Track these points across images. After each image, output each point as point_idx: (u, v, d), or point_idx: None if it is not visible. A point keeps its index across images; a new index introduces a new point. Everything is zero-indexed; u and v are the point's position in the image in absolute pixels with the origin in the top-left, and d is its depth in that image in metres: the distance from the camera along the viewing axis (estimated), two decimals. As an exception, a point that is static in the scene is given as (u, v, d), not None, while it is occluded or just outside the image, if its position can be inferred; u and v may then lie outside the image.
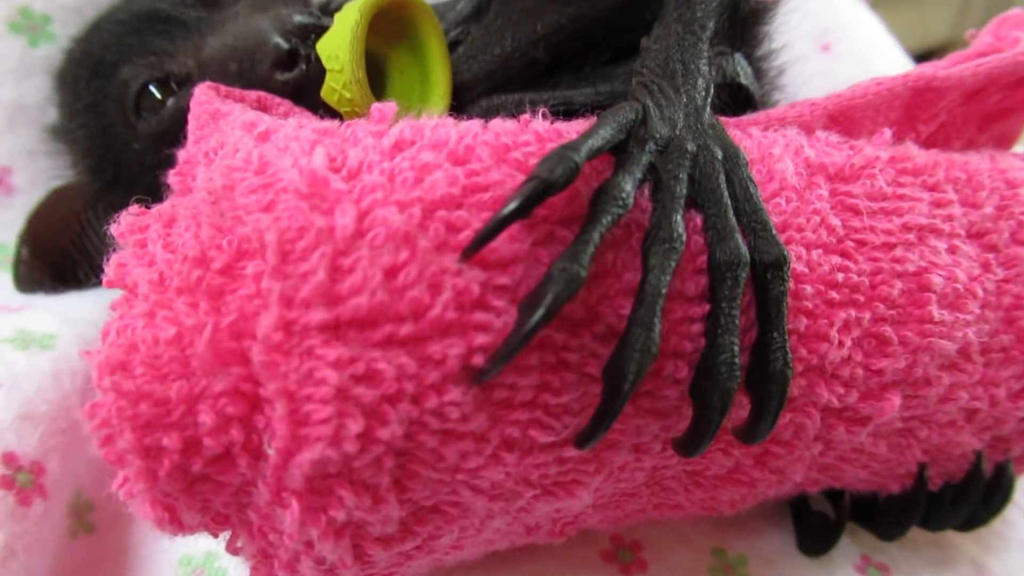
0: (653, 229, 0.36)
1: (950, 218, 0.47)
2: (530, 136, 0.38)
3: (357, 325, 0.31)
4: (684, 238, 0.36)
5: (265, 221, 0.32)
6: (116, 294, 0.63)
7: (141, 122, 0.56)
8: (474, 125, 0.38)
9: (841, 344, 0.42)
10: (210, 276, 0.34)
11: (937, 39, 2.97)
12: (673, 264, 0.35)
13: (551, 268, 0.33)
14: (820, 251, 0.42)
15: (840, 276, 0.42)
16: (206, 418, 0.32)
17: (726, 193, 0.39)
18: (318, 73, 0.51)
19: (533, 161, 0.37)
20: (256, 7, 0.55)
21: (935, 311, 0.44)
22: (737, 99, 0.55)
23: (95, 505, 0.53)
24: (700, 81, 0.44)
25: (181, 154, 0.51)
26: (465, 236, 0.34)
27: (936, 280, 0.44)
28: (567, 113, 0.55)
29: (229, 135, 0.39)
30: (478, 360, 0.33)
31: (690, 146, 0.39)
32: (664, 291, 0.35)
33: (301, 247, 0.32)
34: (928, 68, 0.54)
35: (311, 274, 0.31)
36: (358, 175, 0.34)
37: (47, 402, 0.49)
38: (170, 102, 0.55)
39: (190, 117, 0.50)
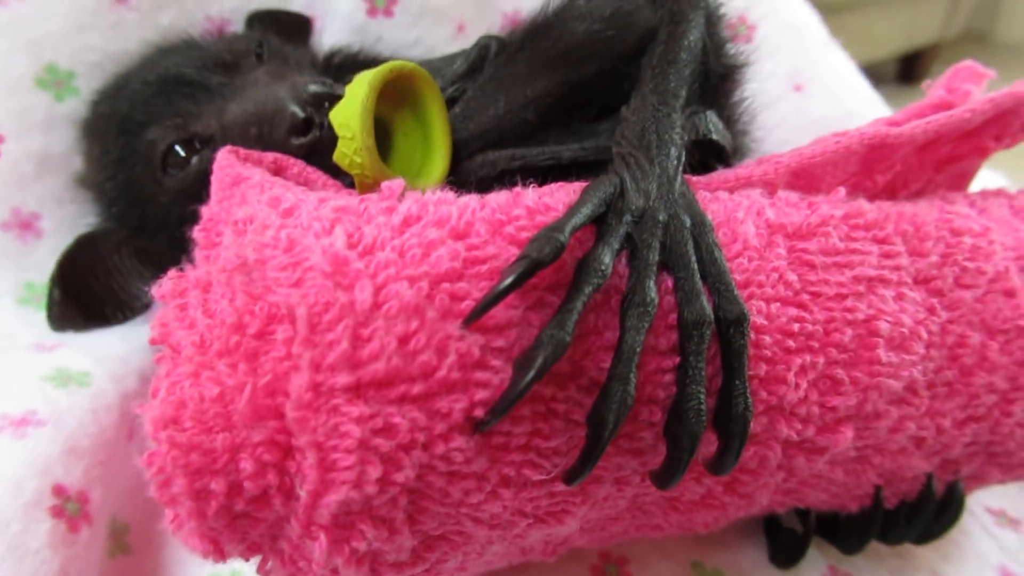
0: (629, 293, 0.42)
1: (898, 268, 0.53)
2: (521, 211, 0.44)
3: (376, 385, 0.37)
4: (656, 302, 0.42)
5: (295, 296, 0.37)
6: (140, 331, 0.68)
7: (167, 178, 0.61)
8: (472, 201, 0.44)
9: (797, 386, 0.47)
10: (246, 340, 0.39)
11: (928, 38, 3.03)
12: (646, 325, 0.41)
13: (541, 334, 0.38)
14: (778, 304, 0.47)
15: (796, 326, 0.47)
16: (247, 465, 0.37)
17: (694, 258, 0.44)
18: (330, 137, 0.57)
19: (524, 235, 0.42)
20: (274, 75, 0.60)
21: (882, 354, 0.50)
22: (710, 153, 0.61)
23: (130, 527, 0.58)
24: (672, 150, 0.50)
25: (205, 211, 0.56)
26: (467, 305, 0.39)
27: (883, 326, 0.50)
28: (556, 167, 0.61)
29: (257, 210, 0.44)
30: (479, 412, 0.39)
31: (662, 216, 0.45)
32: (639, 349, 0.40)
33: (327, 319, 0.37)
34: (883, 125, 0.59)
35: (336, 343, 0.37)
36: (372, 251, 0.40)
37: (88, 436, 0.55)
38: (194, 160, 0.60)
39: (213, 179, 0.56)
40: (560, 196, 0.46)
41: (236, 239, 0.47)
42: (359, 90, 0.54)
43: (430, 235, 0.41)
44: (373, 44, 0.80)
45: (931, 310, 0.53)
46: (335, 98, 0.57)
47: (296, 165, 0.57)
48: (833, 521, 0.63)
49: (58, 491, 0.50)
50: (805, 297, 0.48)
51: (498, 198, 0.45)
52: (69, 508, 0.50)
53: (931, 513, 0.60)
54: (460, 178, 0.60)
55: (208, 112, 0.60)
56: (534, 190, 0.46)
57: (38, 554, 0.46)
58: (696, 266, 0.44)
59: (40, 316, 0.71)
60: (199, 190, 0.60)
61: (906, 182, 0.64)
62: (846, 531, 0.61)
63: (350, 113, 0.54)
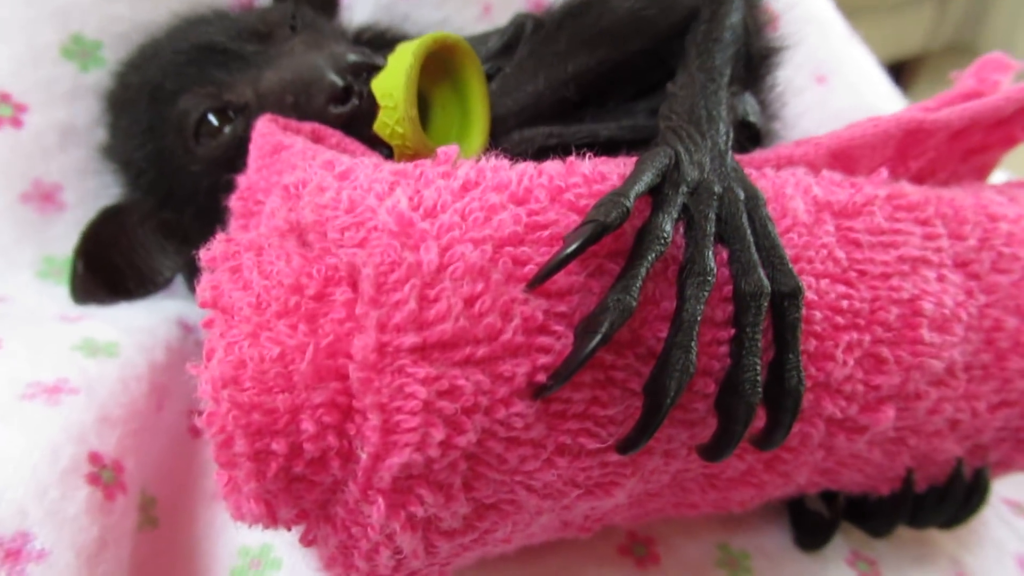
0: (688, 263, 0.42)
1: (939, 250, 0.53)
2: (578, 178, 0.43)
3: (441, 347, 0.37)
4: (715, 271, 0.41)
5: (361, 256, 0.37)
6: (164, 304, 0.68)
7: (199, 147, 0.60)
8: (529, 168, 0.44)
9: (845, 363, 0.47)
10: (305, 301, 0.39)
11: (912, 49, 3.06)
12: (706, 295, 0.41)
13: (606, 298, 0.38)
14: (827, 280, 0.47)
15: (844, 303, 0.47)
16: (308, 426, 0.37)
17: (749, 230, 0.44)
18: (368, 107, 0.56)
19: (583, 202, 0.42)
20: (310, 44, 0.60)
21: (926, 334, 0.50)
22: (745, 135, 0.61)
23: (157, 501, 0.57)
24: (721, 126, 0.50)
25: (242, 180, 0.56)
26: (529, 269, 0.39)
27: (927, 306, 0.50)
28: (592, 145, 0.61)
29: (310, 173, 0.44)
30: (541, 377, 0.38)
31: (717, 188, 0.45)
32: (699, 318, 0.40)
33: (393, 279, 0.37)
34: (918, 111, 0.60)
35: (403, 303, 0.36)
36: (435, 214, 0.40)
37: (120, 406, 0.54)
38: (227, 129, 0.60)
39: (252, 147, 0.55)
40: (613, 167, 0.46)
41: (285, 203, 0.46)
42: (403, 60, 0.54)
43: (491, 199, 0.41)
44: (400, 22, 0.79)
45: (969, 293, 0.54)
46: (374, 68, 0.56)
47: (334, 135, 0.57)
48: (858, 505, 0.63)
49: (94, 459, 0.50)
50: (852, 275, 0.49)
51: (553, 166, 0.44)
52: (105, 476, 0.49)
53: (959, 498, 0.60)
54: (498, 155, 0.60)
55: (242, 80, 0.60)
56: (588, 160, 0.45)
57: (76, 520, 0.46)
58: (751, 238, 0.44)
59: (61, 289, 0.70)
60: (232, 159, 0.60)
61: (933, 171, 0.64)
62: (875, 514, 0.61)
63: (394, 83, 0.54)
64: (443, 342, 0.36)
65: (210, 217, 0.63)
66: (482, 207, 0.40)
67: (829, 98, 0.85)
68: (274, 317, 0.39)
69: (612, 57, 0.59)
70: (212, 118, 0.60)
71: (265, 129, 0.55)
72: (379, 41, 0.76)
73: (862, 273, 0.49)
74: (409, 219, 0.38)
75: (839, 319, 0.47)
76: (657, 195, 0.43)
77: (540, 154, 0.61)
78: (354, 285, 0.40)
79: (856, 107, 0.86)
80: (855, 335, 0.48)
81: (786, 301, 0.43)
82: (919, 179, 0.63)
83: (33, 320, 0.62)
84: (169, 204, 0.65)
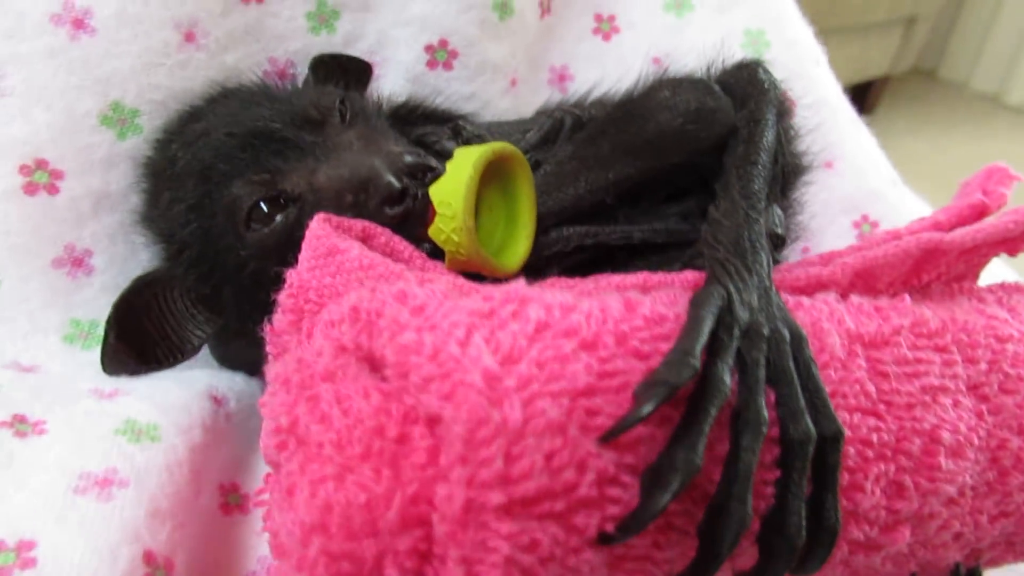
0: (742, 411, 0.44)
1: (955, 376, 0.56)
2: (639, 321, 0.46)
3: (523, 503, 0.39)
4: (767, 420, 0.44)
5: (449, 411, 0.39)
6: (193, 376, 0.68)
7: (250, 233, 0.61)
8: (594, 308, 0.46)
9: (872, 493, 0.50)
10: (387, 445, 0.41)
11: (878, 71, 3.16)
12: (760, 444, 0.44)
13: (674, 456, 0.41)
14: (859, 414, 0.50)
15: (875, 436, 0.50)
16: (391, 572, 0.39)
17: (796, 375, 0.47)
18: (421, 209, 0.58)
19: (647, 348, 0.45)
20: (367, 141, 0.61)
21: (943, 461, 0.53)
22: (772, 244, 0.64)
23: (195, 584, 0.59)
24: (763, 256, 0.53)
25: (293, 276, 0.57)
26: (601, 421, 0.41)
27: (945, 436, 0.53)
28: (626, 247, 0.64)
29: (384, 303, 0.46)
30: (609, 527, 0.41)
31: (765, 330, 0.48)
32: (754, 469, 0.43)
33: (481, 436, 0.39)
34: (932, 226, 0.63)
35: (490, 461, 0.38)
36: (513, 362, 0.42)
37: (167, 496, 0.55)
38: (279, 218, 0.61)
39: (305, 246, 0.57)
40: (670, 307, 0.48)
41: (353, 325, 0.48)
42: (463, 170, 0.56)
43: (564, 347, 0.43)
44: (429, 95, 0.81)
45: (980, 416, 0.57)
46: (428, 169, 0.58)
47: (383, 234, 0.59)
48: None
49: (148, 558, 0.51)
50: (881, 407, 0.52)
51: (615, 305, 0.47)
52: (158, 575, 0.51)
53: (957, 595, 0.64)
54: (535, 251, 0.62)
55: (298, 171, 0.61)
56: (648, 299, 0.48)
57: (134, 624, 0.47)
58: (798, 382, 0.47)
59: (88, 356, 0.71)
60: (281, 248, 0.61)
61: (938, 276, 0.68)
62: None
63: (453, 192, 0.55)
64: (527, 498, 0.39)
65: (250, 299, 0.65)
66: (556, 356, 0.42)
67: (834, 183, 0.88)
68: (358, 459, 0.41)
69: (653, 167, 0.61)
70: (264, 206, 0.61)
71: (320, 230, 0.56)
72: (412, 117, 0.77)
73: (889, 404, 0.52)
74: (496, 375, 0.40)
75: (869, 452, 0.50)
76: (714, 341, 0.46)
77: (576, 252, 0.64)
78: (431, 427, 0.42)
79: (860, 193, 0.89)
80: (882, 466, 0.51)
81: (827, 445, 0.46)
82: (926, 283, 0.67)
83: (69, 396, 0.62)
84: (208, 280, 0.66)
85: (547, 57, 0.89)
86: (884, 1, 2.88)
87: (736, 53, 0.84)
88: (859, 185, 0.89)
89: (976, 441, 0.56)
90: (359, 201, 0.59)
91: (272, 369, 0.50)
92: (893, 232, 0.67)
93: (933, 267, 0.65)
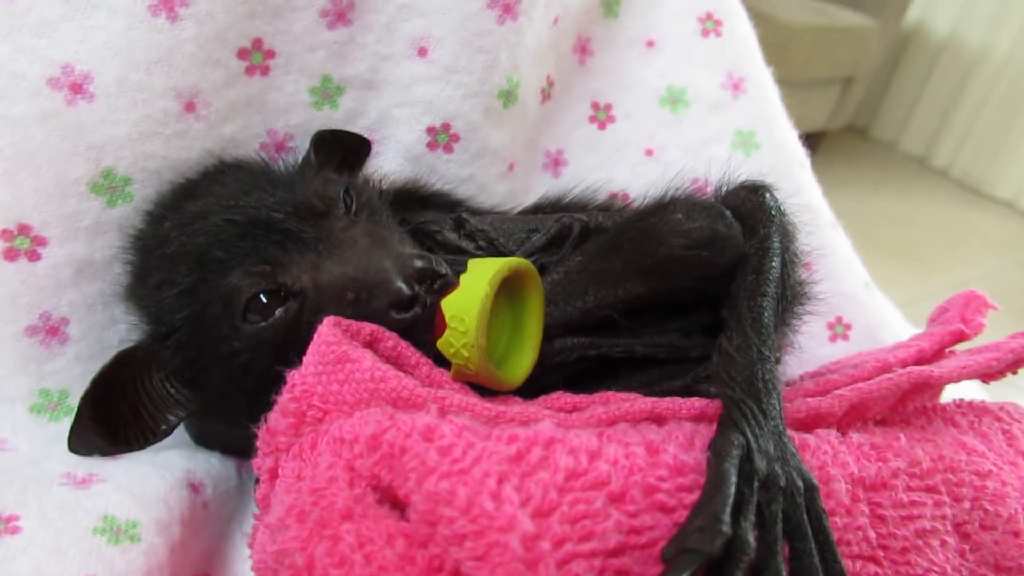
0: (762, 570, 0.45)
1: (944, 517, 0.58)
2: (664, 471, 0.46)
3: (555, 672, 0.38)
4: None
5: (484, 575, 0.38)
6: (168, 459, 0.66)
7: (246, 325, 0.59)
8: (620, 456, 0.46)
9: (869, 639, 0.51)
10: (414, 598, 0.40)
11: (815, 125, 3.28)
12: (781, 603, 0.44)
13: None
14: (862, 562, 0.52)
15: (874, 584, 0.51)
16: None
17: (810, 530, 0.47)
18: (429, 317, 0.57)
19: (672, 502, 0.45)
20: (374, 240, 0.60)
21: (932, 604, 0.55)
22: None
23: None
24: (775, 395, 0.54)
25: (296, 378, 0.55)
26: (629, 582, 0.41)
27: (936, 579, 0.55)
28: (628, 360, 0.64)
29: (410, 440, 0.44)
30: None
31: (781, 481, 0.48)
32: (776, 631, 0.43)
33: (517, 604, 0.38)
34: (924, 368, 0.65)
35: (526, 630, 0.38)
36: (545, 515, 0.41)
37: (149, 606, 0.53)
38: (279, 312, 0.59)
39: (313, 350, 0.55)
40: (691, 454, 0.48)
41: (371, 453, 0.47)
42: (479, 287, 0.55)
43: (595, 502, 0.43)
44: (426, 175, 0.80)
45: (962, 554, 0.59)
46: (438, 276, 0.57)
47: (391, 339, 0.58)
48: None
49: None
50: (880, 553, 0.53)
51: (637, 451, 0.47)
52: None
53: None
54: (538, 360, 0.61)
55: (300, 265, 0.59)
56: (669, 443, 0.48)
57: None
58: (811, 536, 0.47)
59: (56, 429, 0.68)
60: (277, 342, 0.59)
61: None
62: None
63: (467, 309, 0.55)
64: (558, 669, 0.38)
65: (238, 387, 0.63)
66: (588, 512, 0.42)
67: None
68: (382, 611, 0.40)
69: (662, 288, 0.62)
70: (264, 298, 0.59)
71: (331, 336, 0.55)
72: (411, 201, 0.76)
73: (886, 549, 0.53)
74: (531, 536, 0.39)
75: (868, 600, 0.51)
76: (736, 495, 0.46)
77: (579, 362, 0.64)
78: (456, 578, 0.41)
79: (836, 293, 0.91)
80: (879, 612, 0.52)
81: None
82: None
83: (41, 483, 0.59)
84: (194, 366, 0.63)
85: (543, 141, 0.90)
86: (825, 60, 3.00)
87: (726, 152, 0.87)
88: (835, 288, 0.91)
89: (960, 581, 0.57)
90: (363, 300, 0.57)
91: (282, 490, 0.48)
92: (882, 361, 0.69)
93: (918, 397, 0.67)
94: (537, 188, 0.88)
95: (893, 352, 0.71)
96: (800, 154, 0.94)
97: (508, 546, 0.39)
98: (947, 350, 0.75)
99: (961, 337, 0.74)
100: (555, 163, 0.90)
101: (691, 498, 0.46)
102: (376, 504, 0.45)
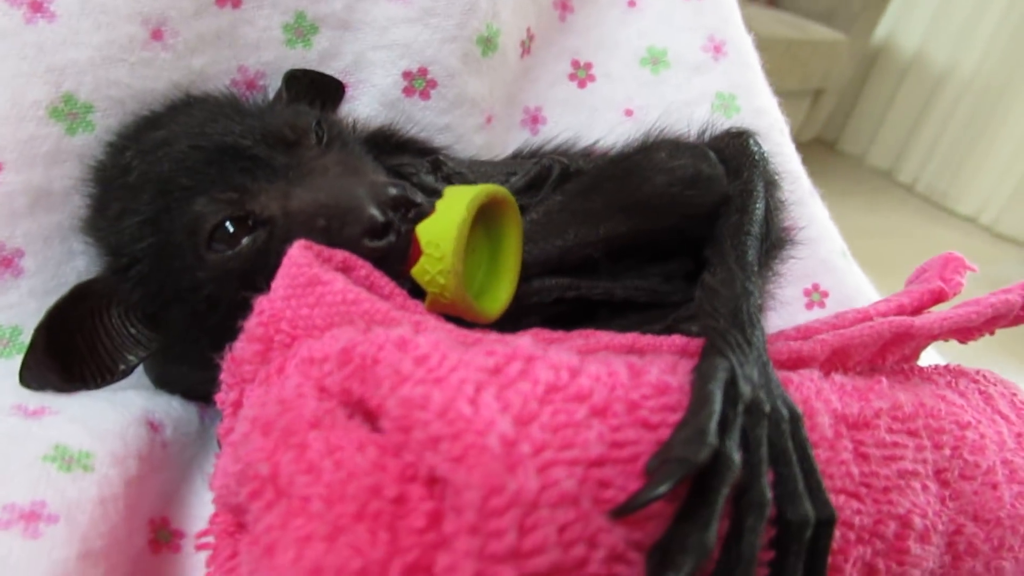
0: (746, 491, 0.43)
1: (925, 461, 0.57)
2: (647, 390, 0.44)
3: (532, 577, 0.36)
4: (771, 502, 0.43)
5: (461, 475, 0.36)
6: (125, 397, 0.63)
7: (211, 254, 0.57)
8: (602, 371, 0.44)
9: (850, 575, 0.50)
10: (384, 505, 0.38)
11: None
12: (763, 526, 0.42)
13: (687, 537, 0.39)
14: (844, 496, 0.50)
15: (856, 519, 0.50)
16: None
17: (795, 456, 0.46)
18: (404, 245, 0.55)
19: (655, 419, 0.43)
20: (346, 168, 0.58)
21: (913, 545, 0.53)
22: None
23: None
24: (759, 327, 0.52)
25: (264, 304, 0.53)
26: (611, 494, 0.39)
27: (916, 521, 0.53)
28: (607, 302, 0.62)
29: (383, 351, 0.42)
30: (614, 608, 0.38)
31: (766, 407, 0.47)
32: (758, 551, 0.42)
33: (494, 505, 0.36)
34: (906, 318, 0.64)
35: (504, 532, 0.36)
36: (524, 424, 0.39)
37: (101, 536, 0.50)
38: (245, 240, 0.57)
39: (282, 273, 0.53)
40: (675, 376, 0.47)
41: (342, 368, 0.45)
42: (455, 212, 0.53)
43: (576, 413, 0.41)
44: (402, 122, 0.78)
45: (943, 501, 0.58)
46: (412, 204, 0.55)
47: (364, 267, 0.55)
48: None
49: (75, 607, 0.45)
50: (863, 490, 0.52)
51: (621, 369, 0.45)
52: (88, 627, 0.45)
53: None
54: (515, 299, 0.60)
55: (269, 192, 0.57)
56: (652, 366, 0.46)
57: None
58: (797, 463, 0.46)
59: (7, 366, 0.64)
60: (243, 272, 0.57)
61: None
62: None
63: (443, 234, 0.53)
64: (536, 574, 0.36)
65: (201, 323, 0.60)
66: (569, 422, 0.40)
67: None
68: (351, 519, 0.38)
69: (644, 228, 0.60)
70: (230, 226, 0.56)
71: (301, 259, 0.52)
72: (387, 145, 0.74)
73: (869, 487, 0.52)
74: (511, 439, 0.37)
75: (851, 534, 0.50)
76: (721, 417, 0.44)
77: (556, 304, 0.62)
78: (431, 488, 0.39)
79: (813, 260, 0.90)
80: (861, 549, 0.50)
81: (820, 529, 0.45)
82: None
83: (-11, 411, 0.56)
84: (156, 300, 0.61)
85: (522, 97, 0.88)
86: (796, 72, 3.03)
87: (707, 115, 0.86)
88: (812, 254, 0.91)
89: (940, 527, 0.56)
90: (334, 228, 0.55)
91: (246, 408, 0.46)
92: (862, 312, 0.68)
93: (898, 349, 0.66)
94: (514, 145, 0.86)
95: (874, 306, 0.70)
96: (780, 121, 0.93)
97: (486, 447, 0.37)
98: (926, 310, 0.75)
99: (941, 296, 0.74)
100: (533, 120, 0.88)
101: (674, 417, 0.44)
102: (346, 418, 0.42)
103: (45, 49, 0.63)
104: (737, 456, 0.43)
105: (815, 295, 0.92)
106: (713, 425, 0.42)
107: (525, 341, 0.45)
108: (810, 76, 3.15)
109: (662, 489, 0.38)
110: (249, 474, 0.42)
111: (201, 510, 0.63)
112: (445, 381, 0.40)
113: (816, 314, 0.92)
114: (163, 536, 0.60)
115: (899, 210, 3.52)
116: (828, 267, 0.92)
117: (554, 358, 0.44)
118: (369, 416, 0.43)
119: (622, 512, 0.39)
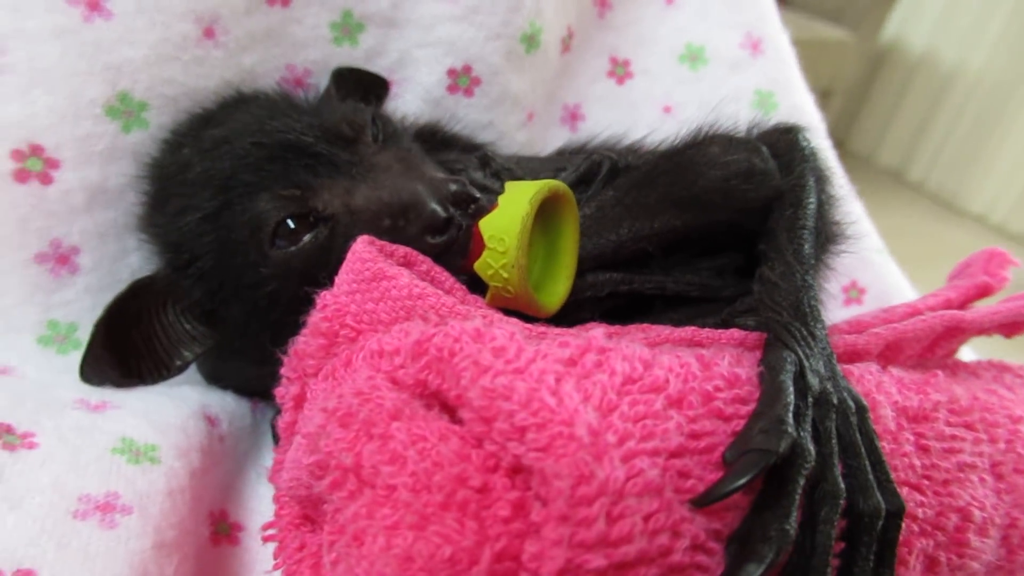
0: (820, 482, 0.43)
1: (981, 455, 0.57)
2: (719, 381, 0.45)
3: (621, 567, 0.37)
4: (844, 493, 0.43)
5: (549, 465, 0.37)
6: (183, 392, 0.63)
7: (274, 251, 0.57)
8: (674, 363, 0.44)
9: (914, 568, 0.50)
10: (471, 494, 0.38)
11: None
12: (836, 516, 0.43)
13: (768, 527, 0.39)
14: (907, 489, 0.50)
15: (920, 512, 0.50)
16: (474, 632, 0.36)
17: (863, 446, 0.46)
18: (464, 241, 0.56)
19: (729, 410, 0.43)
20: (406, 165, 0.58)
21: (973, 538, 0.54)
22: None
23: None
24: (821, 322, 0.52)
25: (328, 298, 0.53)
26: (691, 484, 0.40)
27: (976, 514, 0.54)
28: (660, 296, 0.63)
29: (460, 343, 0.43)
30: (695, 595, 0.39)
31: (834, 399, 0.47)
32: (832, 542, 0.42)
33: (583, 494, 0.36)
34: (957, 312, 0.65)
35: (592, 521, 0.36)
36: (606, 415, 0.40)
37: (172, 527, 0.50)
38: (307, 237, 0.57)
39: (347, 268, 0.53)
40: (744, 368, 0.47)
41: (416, 360, 0.45)
42: (518, 206, 0.53)
43: (655, 404, 0.41)
44: (446, 119, 0.79)
45: (999, 494, 0.58)
46: (472, 199, 0.56)
47: (425, 262, 0.56)
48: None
49: (156, 597, 0.46)
50: (924, 483, 0.52)
51: (691, 362, 0.45)
52: (166, 616, 0.46)
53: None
54: (569, 293, 0.60)
55: (331, 189, 0.57)
56: (723, 358, 0.47)
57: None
58: (866, 455, 0.46)
59: (64, 362, 0.65)
60: (307, 268, 0.57)
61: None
62: None
63: (507, 228, 0.53)
64: (624, 563, 0.36)
65: (260, 319, 0.61)
66: (648, 413, 0.41)
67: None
68: (438, 508, 0.38)
69: (698, 222, 0.60)
70: (292, 223, 0.57)
71: (365, 253, 0.53)
72: (433, 141, 0.75)
73: (930, 480, 0.52)
74: (599, 431, 0.38)
75: (915, 527, 0.50)
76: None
77: (610, 298, 0.63)
78: (514, 478, 0.39)
79: (851, 257, 0.90)
80: (924, 541, 0.51)
81: (890, 520, 0.45)
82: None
83: (53, 405, 0.57)
84: (216, 296, 0.61)
85: (561, 95, 0.88)
86: (804, 71, 3.01)
87: (745, 112, 0.86)
88: (850, 251, 0.91)
89: (997, 520, 0.57)
90: (396, 226, 0.56)
91: (318, 400, 0.46)
92: (912, 306, 0.68)
93: (947, 344, 0.67)
94: (554, 142, 0.87)
95: (922, 300, 0.70)
96: (815, 118, 0.94)
97: (573, 436, 0.37)
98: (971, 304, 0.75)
99: (986, 290, 0.74)
100: (572, 117, 0.89)
101: (747, 409, 0.44)
102: (421, 406, 0.43)
103: (102, 47, 0.64)
104: (811, 445, 0.43)
105: (853, 292, 0.93)
106: (790, 414, 0.42)
107: (597, 333, 0.45)
108: (818, 76, 3.11)
109: (744, 479, 0.39)
110: (329, 465, 0.42)
111: (257, 504, 0.64)
112: (526, 371, 0.41)
113: (853, 311, 0.92)
114: (222, 529, 0.61)
115: (908, 210, 3.50)
116: (866, 264, 0.92)
117: (626, 349, 0.45)
118: (445, 408, 0.43)
119: (705, 501, 0.39)
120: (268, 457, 0.67)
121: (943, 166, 3.57)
